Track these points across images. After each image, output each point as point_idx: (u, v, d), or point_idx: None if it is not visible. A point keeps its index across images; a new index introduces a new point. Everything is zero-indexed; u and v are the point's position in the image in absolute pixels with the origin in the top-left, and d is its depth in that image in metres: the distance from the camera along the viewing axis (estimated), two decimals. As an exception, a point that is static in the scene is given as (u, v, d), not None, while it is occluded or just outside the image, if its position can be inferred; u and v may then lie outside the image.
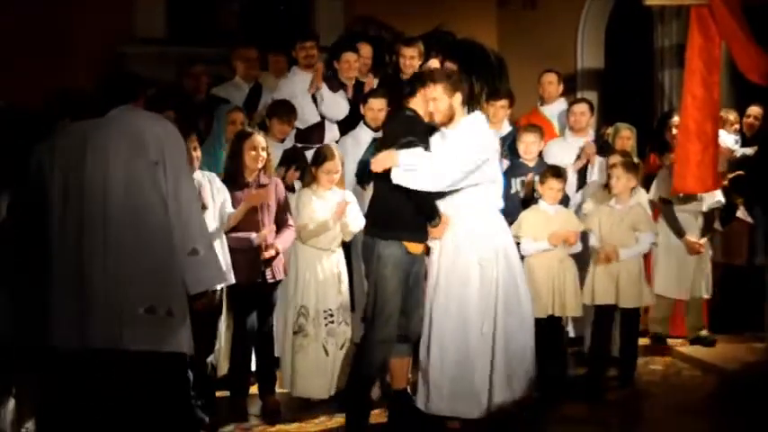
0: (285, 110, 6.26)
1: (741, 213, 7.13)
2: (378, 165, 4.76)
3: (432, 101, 4.82)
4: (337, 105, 6.71)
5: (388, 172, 4.72)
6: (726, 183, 6.96)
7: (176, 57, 8.32)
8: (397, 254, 4.78)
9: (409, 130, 4.81)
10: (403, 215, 4.78)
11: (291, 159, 6.07)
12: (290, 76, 6.99)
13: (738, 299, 6.97)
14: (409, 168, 4.67)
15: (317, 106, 6.73)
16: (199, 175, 5.08)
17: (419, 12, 9.07)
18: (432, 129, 4.96)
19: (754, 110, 7.59)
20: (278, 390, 5.51)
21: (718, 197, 6.61)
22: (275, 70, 7.33)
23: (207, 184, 5.09)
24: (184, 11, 9.68)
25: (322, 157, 5.48)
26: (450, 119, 4.86)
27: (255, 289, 5.29)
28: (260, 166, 5.30)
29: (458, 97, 4.85)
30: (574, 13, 9.67)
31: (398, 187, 4.71)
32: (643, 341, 6.63)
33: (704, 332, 6.70)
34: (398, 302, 4.79)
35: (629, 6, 8.78)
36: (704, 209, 6.60)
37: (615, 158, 6.15)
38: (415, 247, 4.82)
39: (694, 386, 5.88)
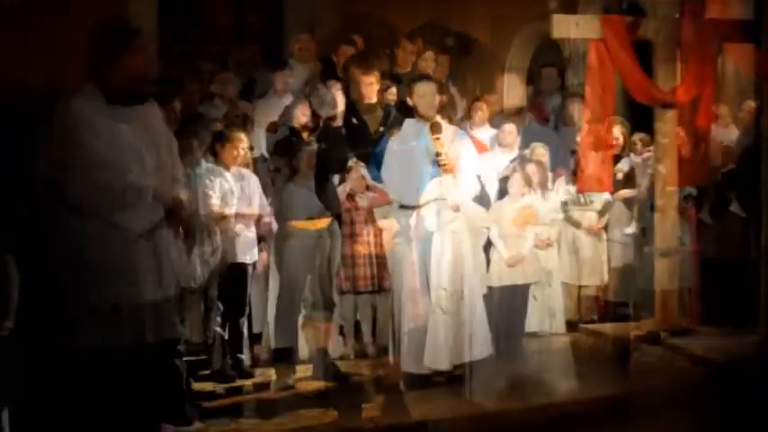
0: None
1: (734, 208, 7.14)
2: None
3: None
4: (331, 102, 6.73)
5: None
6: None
7: (168, 51, 8.31)
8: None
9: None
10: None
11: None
12: (286, 71, 7.02)
13: (731, 292, 7.00)
14: None
15: (310, 103, 6.75)
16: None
17: (414, 5, 9.07)
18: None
19: (749, 105, 7.62)
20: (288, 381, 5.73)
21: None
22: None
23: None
24: (176, 4, 9.65)
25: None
26: None
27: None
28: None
29: None
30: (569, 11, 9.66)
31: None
32: (635, 332, 6.70)
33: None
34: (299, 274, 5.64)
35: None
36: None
37: None
38: (305, 224, 5.61)
39: (685, 378, 5.93)
